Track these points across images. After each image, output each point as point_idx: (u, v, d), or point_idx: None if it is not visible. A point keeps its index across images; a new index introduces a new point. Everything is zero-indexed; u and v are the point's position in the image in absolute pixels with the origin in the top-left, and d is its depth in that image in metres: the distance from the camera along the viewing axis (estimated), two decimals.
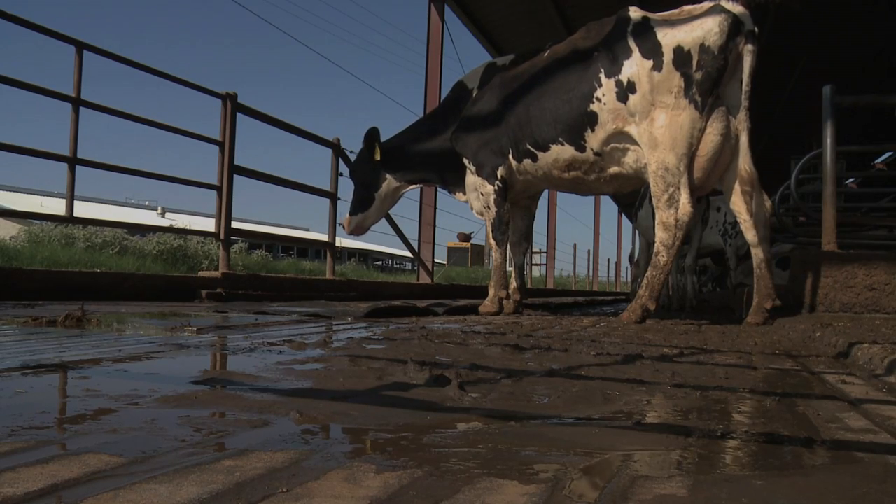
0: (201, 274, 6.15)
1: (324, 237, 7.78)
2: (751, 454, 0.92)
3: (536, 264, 18.89)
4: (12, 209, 5.55)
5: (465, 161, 4.92)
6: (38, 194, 27.84)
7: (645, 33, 3.85)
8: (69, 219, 4.87)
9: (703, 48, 3.68)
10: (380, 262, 39.16)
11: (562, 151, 4.28)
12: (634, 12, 3.97)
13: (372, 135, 5.33)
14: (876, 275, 3.95)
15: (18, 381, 1.29)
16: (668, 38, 3.76)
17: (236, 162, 6.04)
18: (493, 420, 1.07)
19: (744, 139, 3.80)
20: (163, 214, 35.09)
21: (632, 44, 3.88)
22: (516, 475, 0.77)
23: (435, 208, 10.11)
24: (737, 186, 3.93)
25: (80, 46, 4.79)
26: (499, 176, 4.71)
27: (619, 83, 3.92)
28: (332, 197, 7.50)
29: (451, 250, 24.63)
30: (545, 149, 4.36)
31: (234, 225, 6.18)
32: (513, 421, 1.07)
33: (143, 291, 4.88)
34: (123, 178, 23.81)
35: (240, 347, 1.98)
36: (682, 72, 3.72)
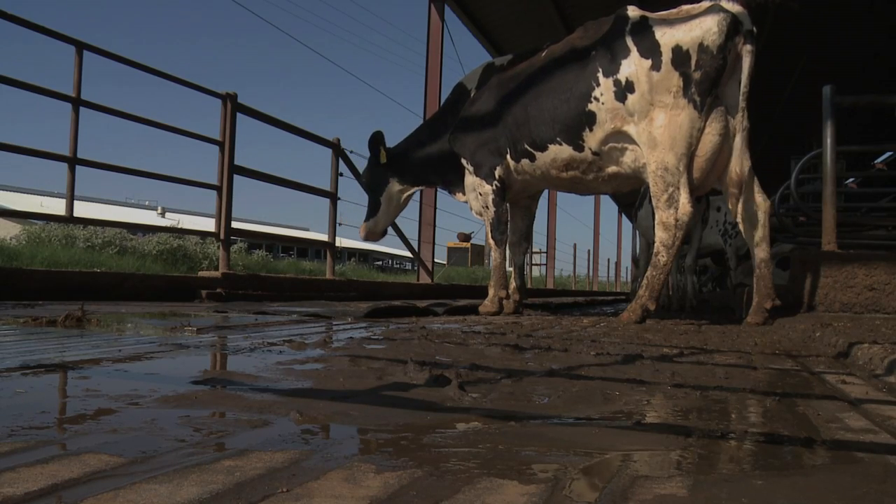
0: (201, 274, 6.15)
1: (324, 237, 7.78)
2: (751, 454, 0.92)
3: (536, 264, 18.89)
4: (12, 209, 5.55)
5: (464, 161, 4.93)
6: (38, 194, 27.85)
7: (643, 32, 3.85)
8: (69, 219, 4.87)
9: (701, 48, 3.67)
10: (380, 262, 39.16)
11: (560, 151, 4.27)
12: (633, 11, 3.96)
13: (376, 138, 5.36)
14: (876, 275, 3.95)
15: (18, 381, 1.29)
16: (667, 37, 3.76)
17: (236, 162, 6.04)
18: (493, 420, 1.07)
19: (739, 139, 3.79)
20: (163, 214, 35.09)
21: (630, 43, 3.88)
22: (516, 475, 0.77)
23: (435, 208, 10.12)
24: (736, 187, 3.93)
25: (80, 46, 4.79)
26: (497, 176, 4.71)
27: (617, 82, 3.91)
28: (332, 197, 7.50)
29: (451, 250, 24.63)
30: (543, 149, 4.36)
31: (234, 225, 6.18)
32: (513, 421, 1.07)
33: (143, 291, 4.88)
34: (123, 178, 23.83)
35: (240, 347, 1.98)
36: (680, 71, 3.71)
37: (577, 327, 3.47)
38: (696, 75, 3.69)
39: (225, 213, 5.94)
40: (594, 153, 4.14)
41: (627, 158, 4.04)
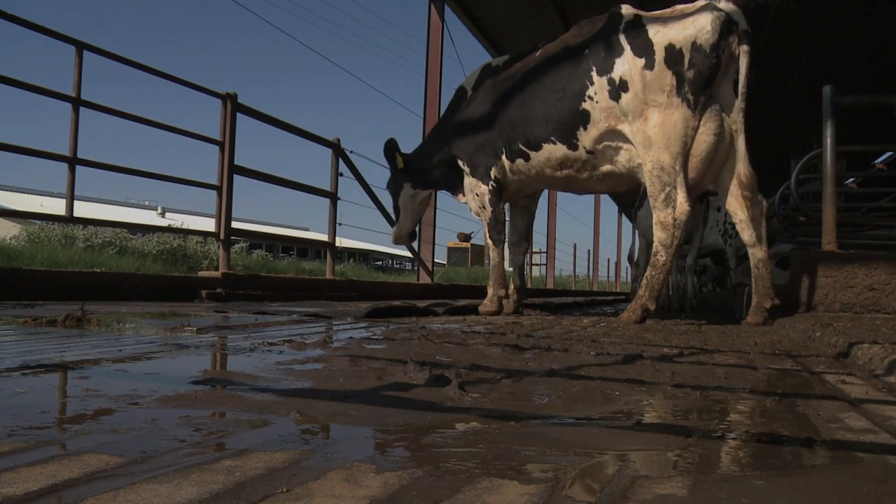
0: (201, 274, 6.15)
1: (324, 237, 7.78)
2: (751, 454, 0.92)
3: (536, 264, 18.89)
4: (12, 209, 5.55)
5: (460, 163, 4.96)
6: (38, 194, 27.85)
7: (637, 31, 3.84)
8: (69, 219, 4.87)
9: (694, 46, 3.66)
10: (380, 262, 39.16)
11: (554, 150, 4.27)
12: (626, 9, 3.95)
13: (390, 146, 5.44)
14: (876, 275, 3.95)
15: (18, 381, 1.29)
16: (660, 36, 3.75)
17: (236, 162, 6.04)
18: (493, 420, 1.07)
19: (741, 141, 3.79)
20: (163, 214, 35.09)
21: (623, 42, 3.87)
22: (516, 475, 0.77)
23: (435, 208, 10.11)
24: (733, 188, 3.92)
25: (80, 46, 4.79)
26: (492, 176, 4.73)
27: (611, 81, 3.90)
28: (332, 197, 7.50)
29: (451, 250, 24.63)
30: (537, 148, 4.36)
31: (234, 225, 6.18)
32: (513, 421, 1.07)
33: (142, 291, 4.88)
34: (123, 178, 23.82)
35: (240, 347, 1.98)
36: (673, 70, 3.70)
37: (577, 327, 3.47)
38: (690, 74, 3.68)
39: (225, 213, 5.94)
40: (588, 152, 4.14)
41: (622, 157, 4.04)
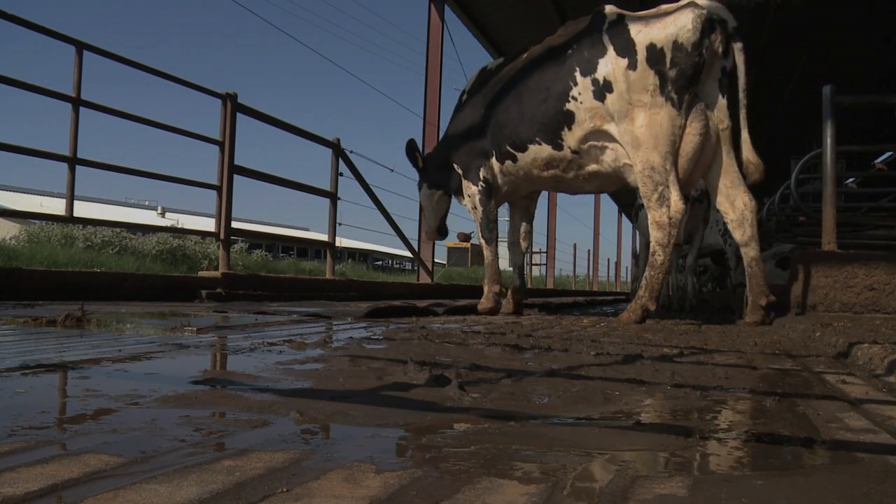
0: (201, 274, 6.15)
1: (324, 237, 7.78)
2: (751, 454, 0.92)
3: (536, 264, 18.88)
4: (12, 209, 5.55)
5: (455, 165, 5.04)
6: (38, 194, 27.84)
7: (619, 31, 3.84)
8: (69, 219, 4.87)
9: (676, 45, 3.66)
10: (380, 262, 39.16)
11: (539, 151, 4.30)
12: (610, 10, 3.96)
13: (410, 147, 5.54)
14: (876, 275, 3.95)
15: (18, 381, 1.29)
16: (642, 35, 3.76)
17: (236, 162, 6.04)
18: (493, 420, 1.07)
19: (745, 133, 3.80)
20: (163, 214, 35.09)
21: (606, 41, 3.87)
22: (516, 475, 0.77)
23: None
24: (722, 186, 3.93)
25: (80, 46, 4.78)
26: (481, 177, 4.80)
27: (595, 81, 3.91)
28: (332, 197, 7.50)
29: (451, 250, 24.63)
30: (524, 149, 4.39)
31: (234, 225, 6.18)
32: (513, 421, 1.07)
33: (142, 291, 4.88)
34: (123, 178, 23.82)
35: (240, 347, 1.98)
36: (656, 70, 3.70)
37: (577, 327, 3.47)
38: (672, 73, 3.68)
39: (225, 213, 5.94)
40: (574, 152, 4.16)
41: (608, 157, 4.05)
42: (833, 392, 1.45)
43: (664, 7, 3.82)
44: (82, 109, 4.80)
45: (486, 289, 4.94)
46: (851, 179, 8.17)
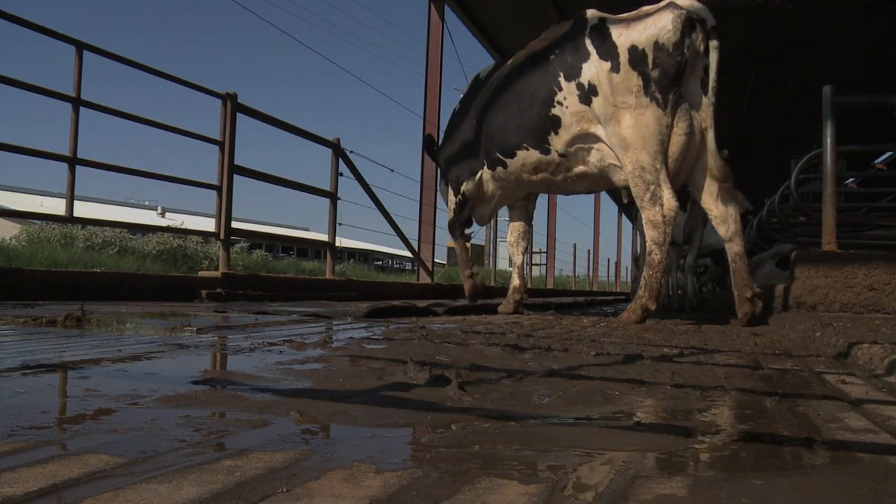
0: (201, 274, 6.15)
1: (324, 237, 7.78)
2: (751, 454, 0.92)
3: (536, 264, 18.87)
4: (12, 209, 5.55)
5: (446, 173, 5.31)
6: (38, 194, 27.84)
7: (601, 35, 3.89)
8: (69, 219, 4.87)
9: (657, 46, 3.70)
10: (380, 262, 39.15)
11: (528, 156, 4.36)
12: (591, 14, 4.00)
13: (428, 141, 5.73)
14: (876, 275, 3.95)
15: (18, 381, 1.29)
16: (623, 38, 3.80)
17: (236, 162, 6.04)
18: (493, 420, 1.07)
19: (710, 136, 3.80)
20: (163, 214, 35.08)
21: (589, 46, 3.92)
22: (516, 475, 0.77)
23: (435, 208, 10.12)
24: (706, 184, 3.95)
25: (80, 46, 4.79)
26: (461, 191, 5.07)
27: (580, 86, 3.96)
28: (332, 197, 7.50)
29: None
30: (512, 155, 4.46)
31: (234, 225, 6.18)
32: (513, 421, 1.07)
33: (142, 291, 4.88)
34: (123, 178, 23.79)
35: (240, 347, 1.98)
36: (638, 70, 3.73)
37: (577, 327, 3.47)
38: (655, 73, 3.70)
39: (225, 213, 5.94)
40: (561, 155, 4.21)
41: (593, 158, 4.09)
42: (833, 392, 1.45)
43: (645, 8, 3.86)
44: (82, 109, 4.80)
45: (463, 278, 5.43)
46: (851, 179, 8.17)
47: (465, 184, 4.97)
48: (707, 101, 3.76)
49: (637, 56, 3.73)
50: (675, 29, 3.66)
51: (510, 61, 4.62)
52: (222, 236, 5.96)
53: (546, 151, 4.23)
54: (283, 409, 1.10)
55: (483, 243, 22.90)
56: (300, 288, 6.54)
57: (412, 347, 2.11)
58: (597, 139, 4.00)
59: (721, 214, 3.94)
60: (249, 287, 5.81)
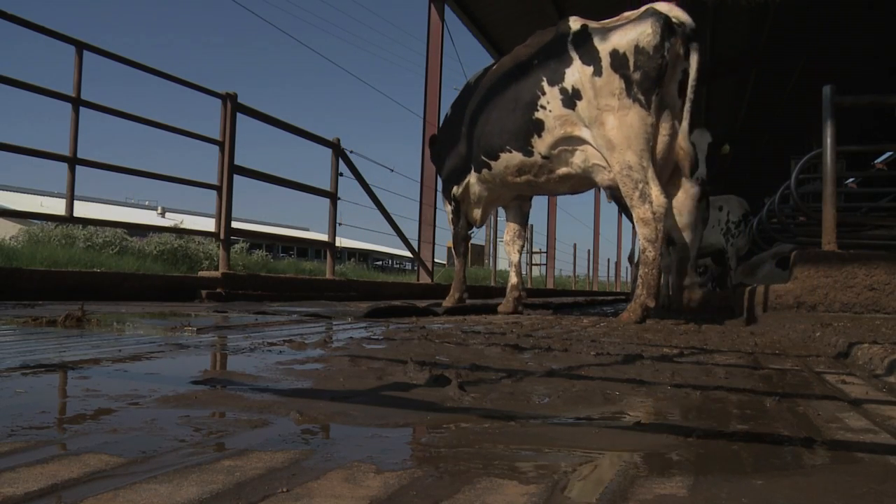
0: (201, 274, 6.15)
1: (324, 237, 7.78)
2: (751, 454, 0.92)
3: (536, 264, 18.87)
4: (12, 209, 5.55)
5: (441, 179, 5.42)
6: (38, 194, 27.84)
7: (583, 41, 3.99)
8: (69, 219, 4.87)
9: (637, 49, 3.79)
10: (380, 262, 39.15)
11: (511, 158, 4.46)
12: (574, 22, 4.12)
13: (431, 143, 5.79)
14: (876, 275, 3.95)
15: (18, 381, 1.29)
16: (604, 43, 3.90)
17: (236, 162, 6.04)
18: (494, 420, 1.07)
19: (684, 126, 3.90)
20: (163, 214, 35.09)
21: (572, 52, 4.02)
22: (516, 475, 0.77)
23: (435, 208, 10.12)
24: (670, 174, 4.11)
25: (80, 46, 4.79)
26: (452, 196, 5.13)
27: (563, 90, 4.05)
28: (332, 197, 7.50)
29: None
30: (496, 157, 4.56)
31: (234, 225, 6.18)
32: (513, 421, 1.07)
33: (142, 291, 4.88)
34: (123, 178, 23.78)
35: (240, 347, 1.98)
36: (620, 73, 3.82)
37: (577, 327, 3.47)
38: (636, 76, 3.79)
39: (225, 213, 5.94)
40: (544, 157, 4.31)
41: (577, 159, 4.18)
42: (833, 392, 1.45)
43: (626, 14, 3.97)
44: (82, 109, 4.80)
45: (451, 292, 5.36)
46: (851, 179, 8.17)
47: (454, 187, 5.08)
48: (687, 97, 3.90)
49: (618, 60, 3.83)
50: (655, 33, 3.76)
51: (496, 67, 4.73)
52: (222, 236, 5.96)
53: (529, 154, 4.33)
54: (283, 409, 1.10)
55: (483, 243, 22.90)
56: (300, 288, 6.54)
57: (412, 347, 2.11)
58: (581, 141, 4.09)
59: (679, 206, 4.17)
60: (249, 287, 5.81)
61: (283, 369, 1.55)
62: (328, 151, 7.56)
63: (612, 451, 0.89)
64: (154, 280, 5.21)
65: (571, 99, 4.01)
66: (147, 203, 41.74)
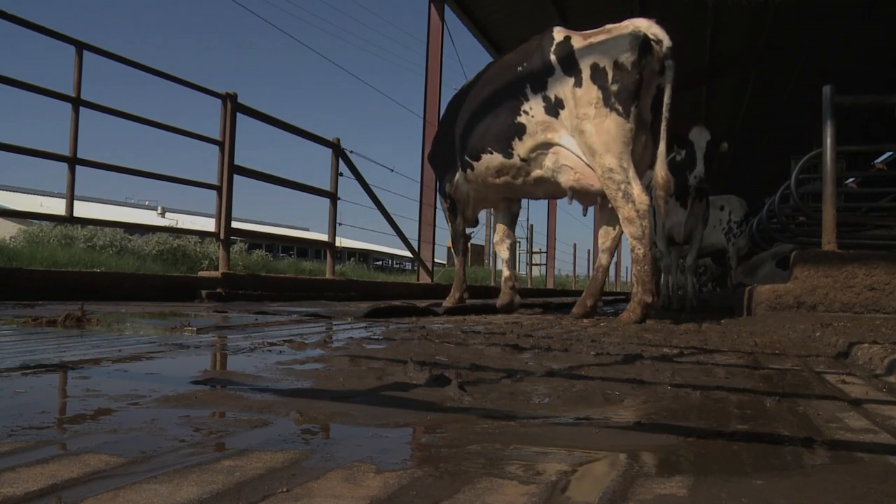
0: (201, 274, 6.15)
1: (324, 237, 7.78)
2: (751, 454, 0.92)
3: (536, 264, 18.88)
4: (12, 209, 5.55)
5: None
6: (38, 194, 27.84)
7: (566, 52, 4.14)
8: (69, 219, 4.87)
9: (616, 65, 3.94)
10: (380, 262, 39.15)
11: (491, 159, 4.62)
12: (557, 33, 4.26)
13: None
14: (876, 275, 3.95)
15: (18, 381, 1.29)
16: (585, 56, 4.05)
17: (236, 162, 6.04)
18: (494, 420, 1.07)
19: (662, 146, 4.00)
20: (163, 214, 35.09)
21: (554, 62, 4.17)
22: (516, 475, 0.77)
23: (435, 208, 10.12)
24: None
25: (80, 46, 4.79)
26: (447, 193, 5.26)
27: (546, 98, 4.22)
28: (332, 197, 7.50)
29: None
30: (478, 158, 4.73)
31: (234, 225, 6.18)
32: (513, 421, 1.07)
33: (142, 291, 4.88)
34: (123, 178, 23.79)
35: (240, 347, 1.98)
36: (599, 85, 3.97)
37: (577, 327, 3.47)
38: (614, 88, 3.94)
39: (225, 213, 5.94)
40: (522, 160, 4.46)
41: (549, 161, 4.34)
42: (833, 392, 1.45)
43: (608, 27, 4.09)
44: (82, 109, 4.80)
45: (452, 292, 5.48)
46: (851, 179, 8.16)
47: (447, 185, 5.24)
48: (662, 115, 4.00)
49: (598, 72, 3.98)
50: (633, 50, 3.91)
51: (485, 72, 4.90)
52: (222, 236, 5.96)
53: (509, 156, 4.49)
54: (284, 409, 1.10)
55: (483, 243, 22.90)
56: (300, 288, 6.54)
57: (412, 347, 2.11)
58: (558, 146, 4.26)
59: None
60: (249, 287, 5.81)
61: (283, 369, 1.55)
62: (328, 151, 7.56)
63: (612, 451, 0.89)
64: (154, 280, 5.21)
65: (554, 107, 4.18)
66: (147, 203, 41.74)
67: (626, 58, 3.91)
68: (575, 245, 20.95)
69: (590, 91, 3.99)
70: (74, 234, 9.78)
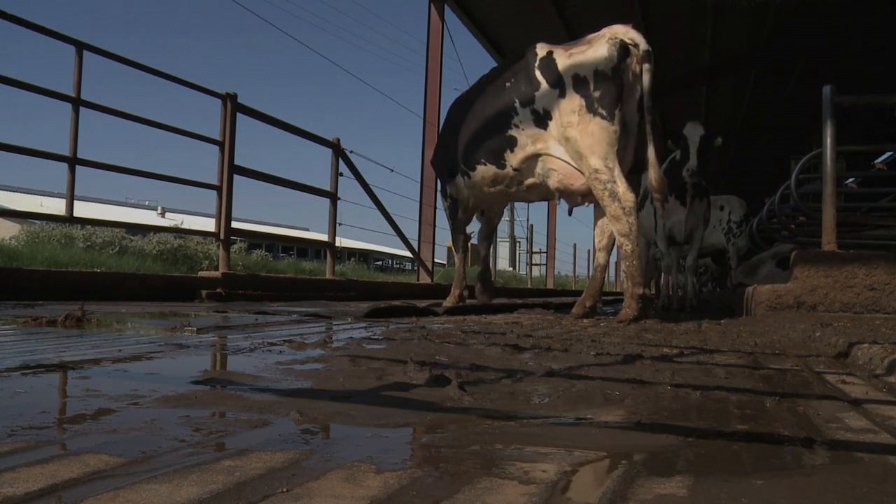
0: (201, 274, 6.15)
1: (324, 237, 7.78)
2: (751, 454, 0.92)
3: (536, 264, 18.89)
4: (12, 209, 5.55)
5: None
6: (38, 194, 27.83)
7: (548, 65, 4.33)
8: (69, 219, 4.87)
9: (597, 73, 4.10)
10: (380, 262, 39.12)
11: (486, 170, 4.83)
12: (541, 49, 4.45)
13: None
14: (876, 275, 3.95)
15: (18, 381, 1.29)
16: (567, 67, 4.22)
17: (236, 162, 6.04)
18: (493, 420, 1.07)
19: (651, 150, 4.11)
20: (163, 214, 35.07)
21: (539, 76, 4.35)
22: (516, 475, 0.77)
23: (435, 208, 10.12)
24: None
25: (80, 46, 4.79)
26: (448, 194, 5.45)
27: (534, 111, 4.41)
28: (332, 197, 7.50)
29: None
30: (473, 169, 4.93)
31: (234, 225, 6.18)
32: (513, 421, 1.07)
33: (143, 291, 4.88)
34: (123, 178, 23.77)
35: (240, 347, 1.98)
36: (581, 94, 4.14)
37: (577, 327, 3.47)
38: (597, 94, 4.10)
39: (225, 213, 5.94)
40: (515, 169, 4.65)
41: (539, 168, 4.53)
42: (833, 392, 1.45)
43: (588, 37, 4.25)
44: (82, 109, 4.80)
45: (452, 290, 5.59)
46: (851, 179, 8.16)
47: (448, 186, 5.40)
48: (645, 117, 4.13)
49: (580, 82, 4.15)
50: (612, 57, 4.05)
51: (478, 84, 5.06)
52: (222, 236, 5.96)
53: (502, 167, 4.68)
54: (284, 409, 1.10)
55: None
56: (300, 288, 6.54)
57: (412, 347, 2.11)
58: (548, 155, 4.41)
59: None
60: (249, 287, 5.81)
61: (283, 369, 1.55)
62: (328, 151, 7.55)
63: (612, 451, 0.89)
64: (154, 280, 5.21)
65: (543, 119, 4.35)
66: (147, 203, 41.71)
67: (605, 65, 4.06)
68: (575, 245, 20.98)
69: (573, 100, 4.16)
70: (74, 233, 9.78)
